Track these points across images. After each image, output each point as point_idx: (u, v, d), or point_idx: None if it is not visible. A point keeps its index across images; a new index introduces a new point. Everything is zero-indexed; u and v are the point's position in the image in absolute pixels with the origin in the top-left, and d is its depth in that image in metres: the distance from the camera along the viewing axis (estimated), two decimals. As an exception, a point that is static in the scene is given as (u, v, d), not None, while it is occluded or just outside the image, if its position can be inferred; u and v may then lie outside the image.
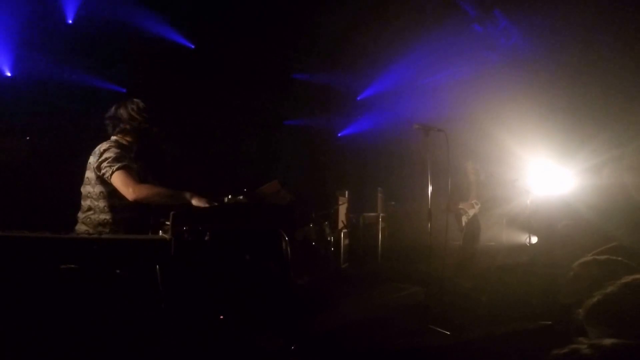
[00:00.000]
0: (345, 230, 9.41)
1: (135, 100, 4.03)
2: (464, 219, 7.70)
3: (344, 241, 9.22)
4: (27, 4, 7.77)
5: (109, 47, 8.91)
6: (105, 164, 3.62)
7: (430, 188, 5.67)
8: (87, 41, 8.63)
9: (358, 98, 12.54)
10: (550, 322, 4.28)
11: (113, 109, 4.00)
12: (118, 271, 2.59)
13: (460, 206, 7.72)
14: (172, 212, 3.33)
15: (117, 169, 3.58)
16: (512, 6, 8.99)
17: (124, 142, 3.92)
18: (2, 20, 7.74)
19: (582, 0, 8.09)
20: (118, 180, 3.57)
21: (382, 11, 9.20)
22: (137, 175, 3.69)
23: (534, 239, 8.72)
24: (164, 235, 3.12)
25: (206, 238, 3.33)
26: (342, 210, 9.98)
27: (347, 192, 10.36)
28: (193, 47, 9.68)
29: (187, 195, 3.60)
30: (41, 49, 8.23)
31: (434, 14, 9.04)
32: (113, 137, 3.92)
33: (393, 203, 11.30)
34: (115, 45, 8.92)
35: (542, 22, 8.84)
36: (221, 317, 3.49)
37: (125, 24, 8.69)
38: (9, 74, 8.21)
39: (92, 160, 3.73)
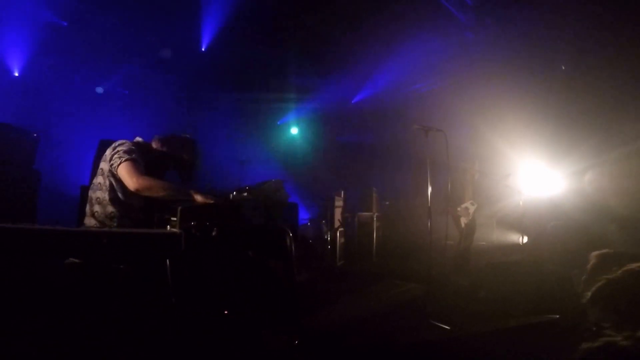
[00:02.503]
0: (341, 229, 9.33)
1: (193, 146, 4.10)
2: (463, 220, 7.62)
3: (339, 239, 9.15)
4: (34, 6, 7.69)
5: (113, 48, 8.82)
6: (116, 155, 3.61)
7: (429, 188, 5.59)
8: (92, 42, 8.54)
9: (353, 101, 12.50)
10: (557, 316, 4.21)
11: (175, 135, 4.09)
12: (129, 265, 2.47)
13: (461, 207, 7.62)
14: (179, 208, 3.24)
15: (125, 160, 3.56)
16: (504, 14, 8.94)
17: (143, 144, 3.94)
18: (8, 23, 7.68)
19: (574, 9, 8.06)
20: (124, 170, 3.54)
21: (377, 16, 9.12)
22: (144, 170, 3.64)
23: (526, 239, 8.67)
24: (174, 229, 3.01)
25: (213, 233, 3.24)
26: (338, 209, 9.90)
27: (342, 192, 10.29)
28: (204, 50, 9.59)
29: (190, 191, 3.59)
30: (47, 50, 8.17)
31: (428, 19, 8.98)
32: (136, 139, 3.93)
33: (387, 203, 11.23)
34: (120, 47, 8.84)
35: (535, 31, 8.80)
36: (225, 312, 3.39)
37: (132, 26, 8.60)
38: (16, 74, 8.15)
39: (108, 152, 3.72)
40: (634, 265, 2.26)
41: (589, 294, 2.30)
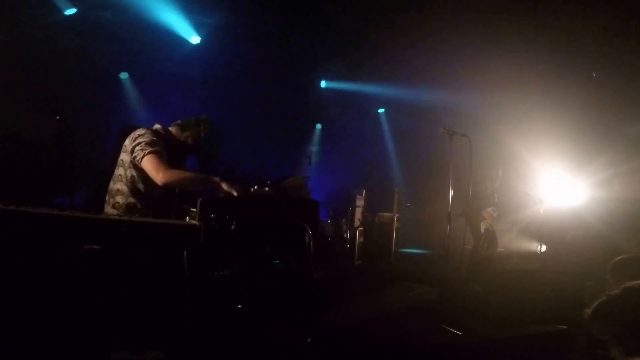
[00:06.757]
0: (360, 229, 9.27)
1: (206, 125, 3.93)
2: (483, 225, 7.45)
3: (358, 239, 9.08)
4: None
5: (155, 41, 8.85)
6: (138, 147, 3.45)
7: (451, 192, 5.52)
8: (120, 31, 8.52)
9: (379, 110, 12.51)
10: (565, 327, 4.13)
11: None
12: (145, 255, 2.46)
13: (483, 212, 7.46)
14: (200, 199, 3.21)
15: (149, 153, 3.40)
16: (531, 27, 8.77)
17: (163, 132, 3.75)
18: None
19: (596, 17, 7.87)
20: (148, 164, 3.39)
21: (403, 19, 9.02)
22: (168, 161, 3.49)
23: (544, 248, 8.49)
24: (193, 221, 3.00)
25: (232, 227, 3.21)
26: (359, 208, 9.85)
27: (364, 192, 10.22)
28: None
29: (216, 179, 3.44)
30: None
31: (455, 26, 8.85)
32: (155, 127, 3.76)
33: (409, 204, 11.12)
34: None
35: (557, 39, 8.62)
36: (239, 306, 3.37)
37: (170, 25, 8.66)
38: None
39: (128, 143, 3.57)
40: (634, 283, 2.27)
41: (591, 309, 2.30)
